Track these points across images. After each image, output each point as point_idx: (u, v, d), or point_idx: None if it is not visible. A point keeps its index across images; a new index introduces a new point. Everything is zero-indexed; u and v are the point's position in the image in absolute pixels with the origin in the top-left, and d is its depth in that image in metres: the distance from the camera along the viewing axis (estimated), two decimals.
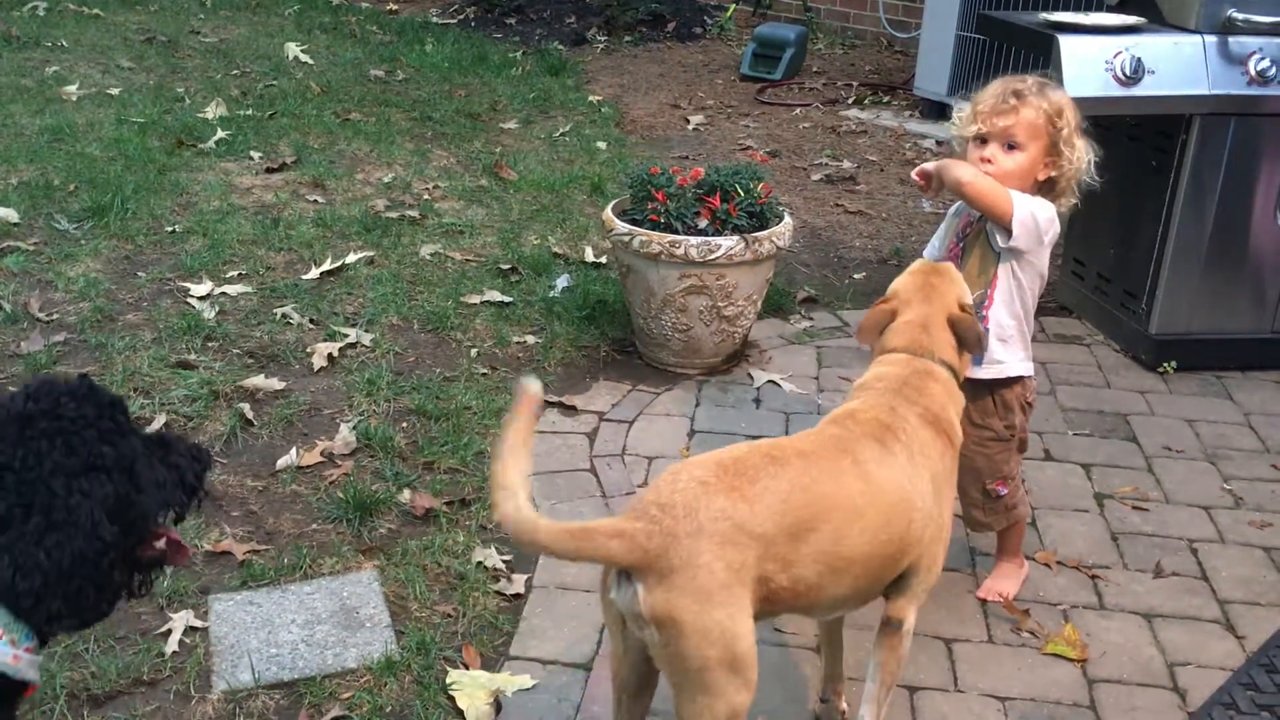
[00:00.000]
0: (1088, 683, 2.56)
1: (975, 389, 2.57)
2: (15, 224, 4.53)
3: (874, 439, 2.09)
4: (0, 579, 1.45)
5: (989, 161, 2.58)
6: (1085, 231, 4.29)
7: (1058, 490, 3.27)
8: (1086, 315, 4.32)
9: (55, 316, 3.89)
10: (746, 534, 1.84)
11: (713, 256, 3.56)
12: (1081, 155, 2.60)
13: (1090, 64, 3.55)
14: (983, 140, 2.61)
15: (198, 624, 2.59)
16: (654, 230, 3.60)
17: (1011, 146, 2.58)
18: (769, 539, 1.87)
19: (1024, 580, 2.87)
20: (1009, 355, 2.64)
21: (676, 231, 3.59)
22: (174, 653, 2.50)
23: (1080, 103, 3.56)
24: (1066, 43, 3.55)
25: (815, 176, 5.76)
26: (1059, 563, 2.95)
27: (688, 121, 6.52)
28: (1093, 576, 2.91)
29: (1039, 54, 3.68)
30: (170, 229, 4.62)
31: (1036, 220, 2.54)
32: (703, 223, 3.62)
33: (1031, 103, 2.58)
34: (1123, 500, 3.23)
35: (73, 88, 6.22)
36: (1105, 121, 4.12)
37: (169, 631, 2.55)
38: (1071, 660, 2.61)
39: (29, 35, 7.14)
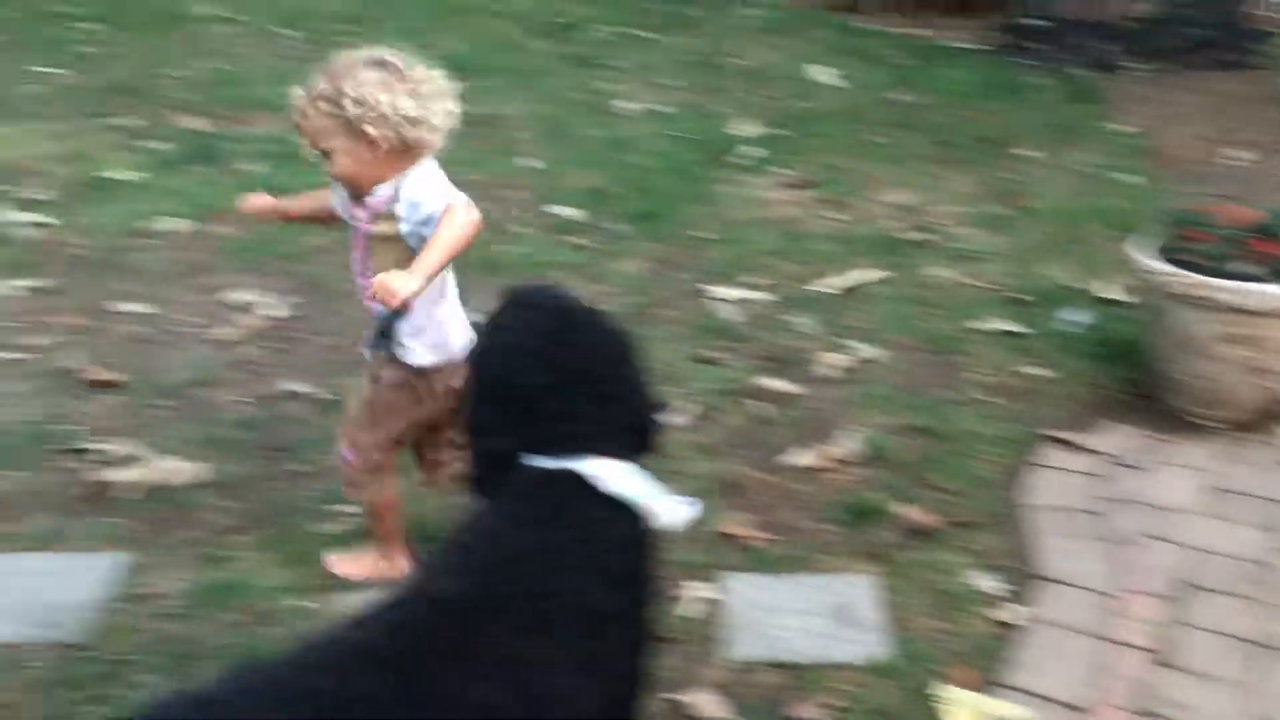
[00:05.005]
0: None
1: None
2: (579, 223, 5.15)
3: None
4: None
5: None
6: None
7: None
8: None
9: (603, 308, 4.39)
10: None
11: (1255, 305, 3.31)
12: (376, 103, 2.37)
13: None
14: None
15: (709, 595, 2.85)
16: (1189, 272, 3.42)
17: (326, 153, 2.46)
18: None
19: (382, 577, 2.74)
20: (420, 343, 2.61)
21: (1216, 275, 3.38)
22: (689, 617, 2.77)
23: None
24: None
25: None
26: None
27: (1230, 158, 6.03)
28: None
29: None
30: (701, 236, 5.04)
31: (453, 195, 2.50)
32: (1247, 268, 3.38)
33: (307, 111, 2.44)
34: None
35: (626, 103, 6.92)
36: None
37: (682, 599, 2.82)
38: None
39: (593, 56, 8.03)
